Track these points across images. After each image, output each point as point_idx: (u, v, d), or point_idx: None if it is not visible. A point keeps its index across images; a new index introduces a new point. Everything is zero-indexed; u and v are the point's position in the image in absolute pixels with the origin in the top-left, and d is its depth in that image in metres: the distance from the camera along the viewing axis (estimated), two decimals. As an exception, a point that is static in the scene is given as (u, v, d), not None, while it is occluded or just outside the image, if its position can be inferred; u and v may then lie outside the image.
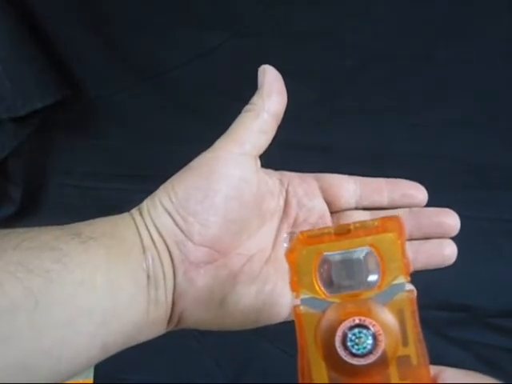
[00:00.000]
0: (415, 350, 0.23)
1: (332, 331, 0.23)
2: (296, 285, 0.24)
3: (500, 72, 0.60)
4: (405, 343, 0.23)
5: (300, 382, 0.24)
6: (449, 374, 0.23)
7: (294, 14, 0.56)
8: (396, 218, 0.24)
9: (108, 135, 0.79)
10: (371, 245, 0.24)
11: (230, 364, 0.69)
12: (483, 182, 0.66)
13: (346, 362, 0.23)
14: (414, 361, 0.23)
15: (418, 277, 0.28)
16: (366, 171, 0.36)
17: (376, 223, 0.24)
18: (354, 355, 0.23)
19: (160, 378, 0.69)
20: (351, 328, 0.23)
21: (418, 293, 0.24)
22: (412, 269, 0.25)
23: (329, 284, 0.24)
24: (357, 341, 0.23)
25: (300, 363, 0.24)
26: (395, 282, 0.24)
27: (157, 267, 0.29)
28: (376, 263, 0.24)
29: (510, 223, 0.68)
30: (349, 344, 0.23)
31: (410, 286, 0.24)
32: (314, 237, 0.25)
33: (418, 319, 0.24)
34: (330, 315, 0.24)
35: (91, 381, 0.68)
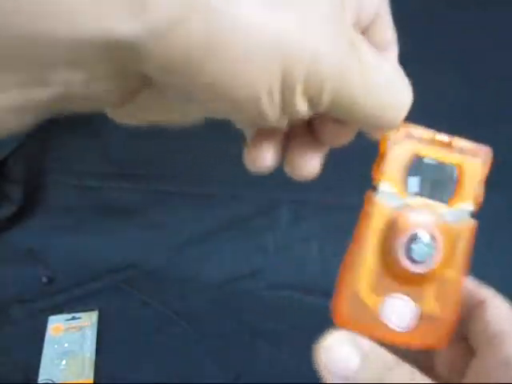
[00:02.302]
0: (457, 276, 0.24)
1: (397, 231, 0.24)
2: (380, 173, 0.25)
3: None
4: (452, 266, 0.24)
5: (341, 269, 0.25)
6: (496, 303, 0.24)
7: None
8: (488, 150, 0.25)
9: (108, 135, 0.79)
10: (459, 164, 0.25)
11: (230, 364, 0.69)
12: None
13: (399, 264, 0.24)
14: (452, 287, 0.24)
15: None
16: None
17: (472, 147, 0.25)
18: (412, 260, 0.24)
19: (160, 378, 0.69)
20: (416, 235, 0.24)
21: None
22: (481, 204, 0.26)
23: (412, 184, 0.25)
24: (417, 249, 0.24)
25: (351, 250, 0.24)
26: (464, 206, 0.25)
27: None
28: (456, 182, 0.25)
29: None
30: (408, 247, 0.24)
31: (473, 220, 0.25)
32: (416, 134, 0.25)
33: (469, 251, 0.25)
34: (401, 216, 0.24)
35: (91, 381, 0.69)
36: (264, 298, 0.74)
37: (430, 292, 0.24)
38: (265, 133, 0.25)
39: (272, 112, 0.21)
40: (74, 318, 0.74)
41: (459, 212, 0.25)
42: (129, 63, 0.19)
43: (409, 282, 0.24)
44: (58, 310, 0.75)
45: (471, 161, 0.25)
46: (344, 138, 0.25)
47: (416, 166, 0.25)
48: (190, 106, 0.23)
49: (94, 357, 0.71)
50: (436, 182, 0.25)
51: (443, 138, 0.25)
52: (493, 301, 0.25)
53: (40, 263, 0.80)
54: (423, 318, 0.24)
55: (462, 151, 0.25)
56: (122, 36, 0.18)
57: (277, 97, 0.20)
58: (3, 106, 0.19)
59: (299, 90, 0.20)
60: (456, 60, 0.71)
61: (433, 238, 0.24)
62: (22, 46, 0.17)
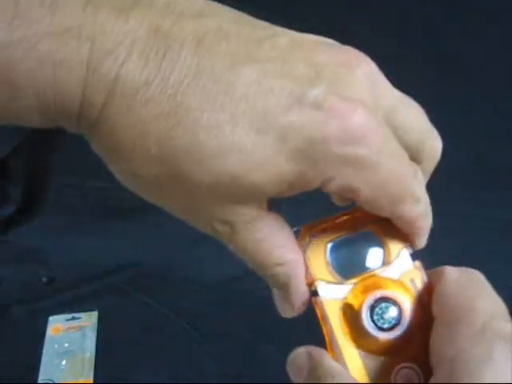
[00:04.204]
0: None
1: (357, 311, 0.24)
2: (310, 277, 0.25)
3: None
4: (424, 310, 0.24)
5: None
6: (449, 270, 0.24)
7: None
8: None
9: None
10: (370, 225, 0.25)
11: (230, 364, 0.69)
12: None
13: (376, 339, 0.23)
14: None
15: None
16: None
17: (364, 211, 0.25)
18: (384, 329, 0.23)
19: (160, 377, 0.69)
20: (375, 303, 0.24)
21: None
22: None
23: (341, 269, 0.25)
24: (383, 315, 0.23)
25: (331, 354, 0.24)
26: (400, 255, 0.25)
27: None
28: (379, 241, 0.25)
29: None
30: (376, 319, 0.23)
31: (413, 261, 0.25)
32: (317, 228, 0.25)
33: (429, 284, 0.25)
34: (351, 297, 0.24)
35: (91, 381, 0.68)
36: (264, 297, 0.74)
37: (419, 348, 0.23)
38: None
39: None
40: (74, 318, 0.74)
41: (399, 263, 0.25)
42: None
43: (400, 347, 0.23)
44: (58, 310, 0.75)
45: (378, 217, 0.25)
46: None
47: (334, 252, 0.25)
48: None
49: (93, 357, 0.71)
50: (361, 253, 0.25)
51: (342, 217, 0.26)
52: (451, 273, 0.24)
53: (40, 263, 0.80)
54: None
55: (367, 215, 0.25)
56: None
57: None
58: None
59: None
60: (457, 59, 0.71)
61: (389, 298, 0.24)
62: None
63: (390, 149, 0.23)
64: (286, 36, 0.23)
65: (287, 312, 0.26)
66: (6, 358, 0.70)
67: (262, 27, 0.23)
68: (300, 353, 0.25)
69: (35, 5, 0.20)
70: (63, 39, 0.20)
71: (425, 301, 0.24)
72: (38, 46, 0.20)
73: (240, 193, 0.22)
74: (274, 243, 0.24)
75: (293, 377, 0.25)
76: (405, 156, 0.24)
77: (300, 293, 0.25)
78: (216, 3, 0.23)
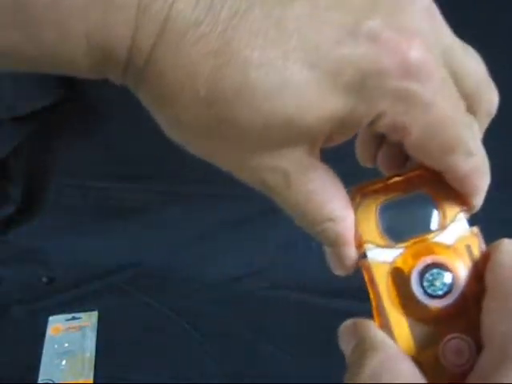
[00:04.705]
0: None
1: (407, 276, 0.23)
2: (359, 239, 0.24)
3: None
4: (479, 279, 0.23)
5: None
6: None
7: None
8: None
9: (108, 135, 0.79)
10: (425, 187, 0.24)
11: (230, 364, 0.69)
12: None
13: (426, 306, 0.22)
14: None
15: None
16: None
17: (421, 170, 0.24)
18: (434, 297, 0.22)
19: (160, 377, 0.69)
20: (426, 269, 0.22)
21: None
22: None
23: (392, 232, 0.24)
24: (434, 282, 0.22)
25: (378, 320, 0.23)
26: (456, 219, 0.24)
27: None
28: (434, 204, 0.24)
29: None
30: (426, 285, 0.22)
31: (469, 226, 0.24)
32: (369, 188, 0.24)
33: (487, 254, 0.23)
34: (401, 261, 0.23)
35: (91, 381, 0.68)
36: (265, 297, 0.74)
37: (471, 319, 0.22)
38: None
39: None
40: (74, 318, 0.74)
41: (455, 227, 0.23)
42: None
43: (450, 316, 0.22)
44: (58, 310, 0.75)
45: (434, 177, 0.24)
46: None
47: (386, 215, 0.24)
48: None
49: (93, 357, 0.71)
50: (411, 215, 0.24)
51: (394, 178, 0.24)
52: (508, 245, 0.23)
53: (40, 263, 0.80)
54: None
55: (420, 175, 0.24)
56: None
57: None
58: None
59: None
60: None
61: (441, 264, 0.22)
62: None
63: (446, 90, 0.22)
64: None
65: (338, 270, 0.25)
66: (6, 358, 0.70)
67: None
68: (347, 325, 0.24)
69: None
70: None
71: (480, 270, 0.23)
72: None
73: (293, 135, 0.21)
74: (326, 197, 0.23)
75: (344, 351, 0.23)
76: (460, 102, 0.22)
77: (349, 252, 0.24)
78: None
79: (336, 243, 0.24)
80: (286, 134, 0.21)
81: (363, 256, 0.24)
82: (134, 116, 0.71)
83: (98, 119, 0.77)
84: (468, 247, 0.23)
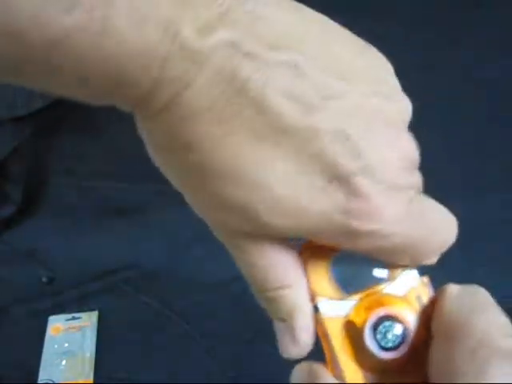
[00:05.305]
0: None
1: (360, 330, 0.23)
2: (311, 293, 0.24)
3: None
4: (427, 326, 0.23)
5: None
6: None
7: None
8: None
9: (108, 135, 0.79)
10: None
11: (230, 364, 0.69)
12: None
13: (380, 359, 0.22)
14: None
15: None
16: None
17: None
18: (388, 349, 0.22)
19: (160, 377, 0.69)
20: (379, 321, 0.22)
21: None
22: None
23: (344, 284, 0.24)
24: (387, 334, 0.22)
25: (332, 372, 0.23)
26: (406, 270, 0.24)
27: None
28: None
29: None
30: (379, 338, 0.22)
31: (419, 275, 0.24)
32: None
33: (435, 301, 0.23)
34: (354, 315, 0.23)
35: (91, 381, 0.68)
36: (264, 298, 0.74)
37: (422, 365, 0.22)
38: None
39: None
40: (74, 318, 0.74)
41: (406, 278, 0.24)
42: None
43: (402, 368, 0.23)
44: (58, 310, 0.75)
45: None
46: None
47: (338, 267, 0.24)
48: None
49: (93, 357, 0.71)
50: (366, 267, 0.24)
51: None
52: (451, 290, 0.24)
53: (40, 263, 0.80)
54: None
55: None
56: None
57: None
58: None
59: None
60: (457, 63, 0.71)
61: (393, 316, 0.22)
62: None
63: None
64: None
65: (292, 347, 0.25)
66: (5, 358, 0.70)
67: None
68: (301, 368, 0.24)
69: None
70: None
71: (429, 316, 0.23)
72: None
73: (259, 233, 0.23)
74: (281, 266, 0.24)
75: None
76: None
77: (305, 320, 0.24)
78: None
79: (289, 313, 0.24)
80: (252, 230, 0.23)
81: (316, 310, 0.24)
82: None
83: (98, 119, 0.77)
84: (418, 297, 0.24)
